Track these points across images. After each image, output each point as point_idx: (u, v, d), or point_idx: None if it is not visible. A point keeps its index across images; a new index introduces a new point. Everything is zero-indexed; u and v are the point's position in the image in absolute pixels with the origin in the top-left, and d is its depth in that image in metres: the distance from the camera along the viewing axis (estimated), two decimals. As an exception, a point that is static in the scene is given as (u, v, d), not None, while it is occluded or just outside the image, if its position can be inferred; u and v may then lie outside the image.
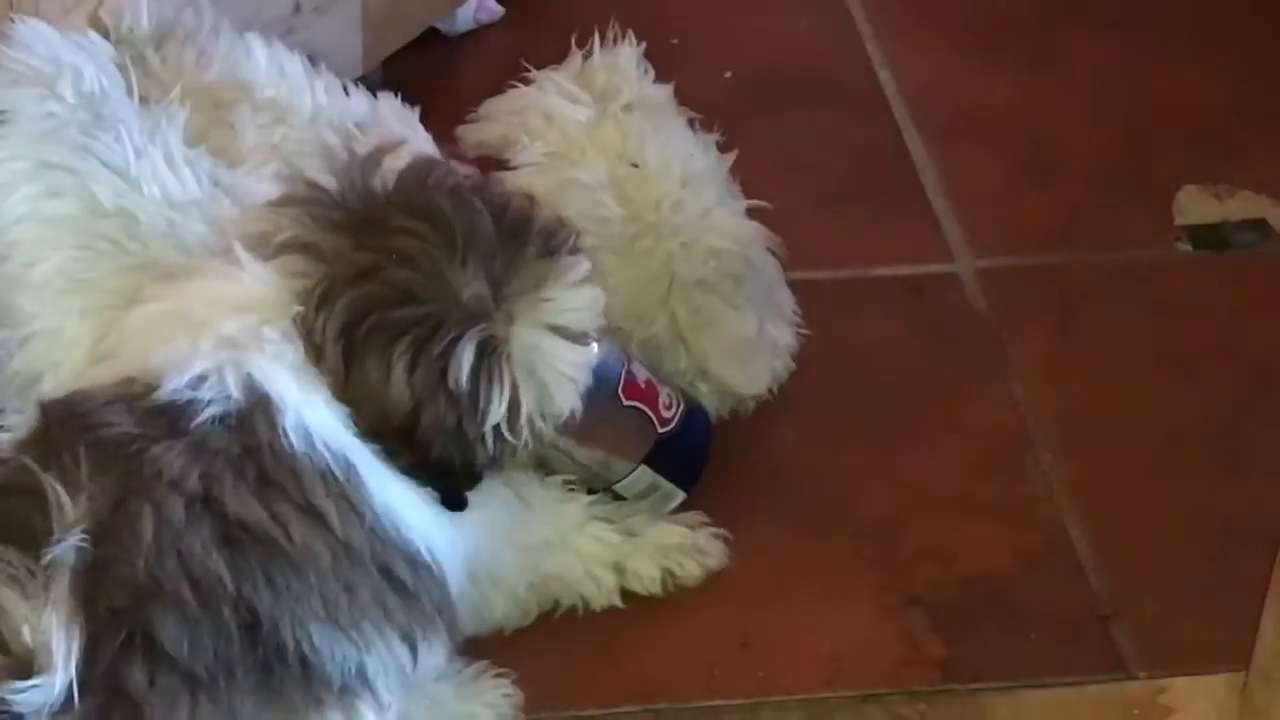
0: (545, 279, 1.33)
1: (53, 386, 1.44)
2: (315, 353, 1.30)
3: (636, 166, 1.61)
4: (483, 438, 1.32)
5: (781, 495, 1.64)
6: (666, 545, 1.56)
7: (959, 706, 1.47)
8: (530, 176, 1.60)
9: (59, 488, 1.23)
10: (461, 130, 1.69)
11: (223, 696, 1.25)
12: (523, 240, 1.33)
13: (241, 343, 1.30)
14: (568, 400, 1.35)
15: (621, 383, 1.53)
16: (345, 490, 1.30)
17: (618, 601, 1.54)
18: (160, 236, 1.47)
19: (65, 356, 1.45)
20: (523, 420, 1.33)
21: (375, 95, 1.64)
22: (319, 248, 1.31)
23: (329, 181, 1.34)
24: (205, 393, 1.29)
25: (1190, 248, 1.91)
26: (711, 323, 1.60)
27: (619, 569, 1.55)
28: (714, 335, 1.60)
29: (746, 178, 1.69)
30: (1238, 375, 1.76)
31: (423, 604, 1.33)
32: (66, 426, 1.29)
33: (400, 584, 1.32)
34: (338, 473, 1.29)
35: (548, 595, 1.53)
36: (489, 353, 1.30)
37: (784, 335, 1.67)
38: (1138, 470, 1.68)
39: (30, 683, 1.20)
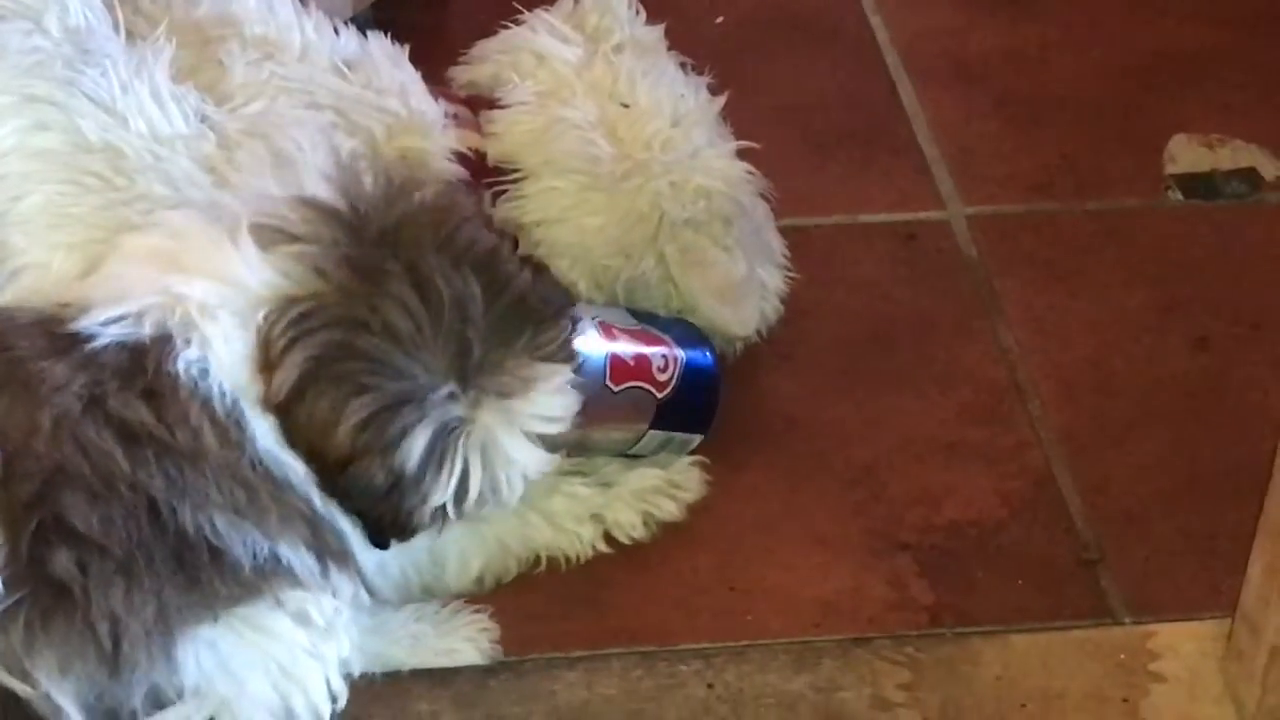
0: (523, 382, 1.32)
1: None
2: (263, 358, 1.30)
3: (627, 107, 1.60)
4: (420, 509, 1.32)
5: (769, 441, 1.64)
6: (643, 489, 1.56)
7: (946, 650, 1.47)
8: (520, 115, 1.60)
9: None
10: (452, 70, 1.69)
11: (146, 580, 1.27)
12: (513, 332, 1.32)
13: (196, 306, 1.30)
14: (517, 492, 1.35)
15: (608, 373, 1.53)
16: (228, 427, 1.30)
17: (603, 548, 1.54)
18: (146, 171, 1.46)
19: (52, 290, 1.44)
20: (467, 502, 1.33)
21: (365, 33, 1.63)
22: (318, 266, 1.30)
23: (351, 204, 1.33)
24: (119, 327, 1.30)
25: (1180, 196, 1.91)
26: (700, 262, 1.60)
27: (598, 520, 1.54)
28: (703, 275, 1.60)
29: (737, 122, 1.68)
30: (1227, 324, 1.76)
31: (326, 538, 1.33)
32: None
33: (294, 505, 1.31)
34: (220, 411, 1.29)
35: (527, 552, 1.52)
36: (445, 435, 1.30)
37: (773, 278, 1.67)
38: (1126, 417, 1.68)
39: None
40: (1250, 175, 1.92)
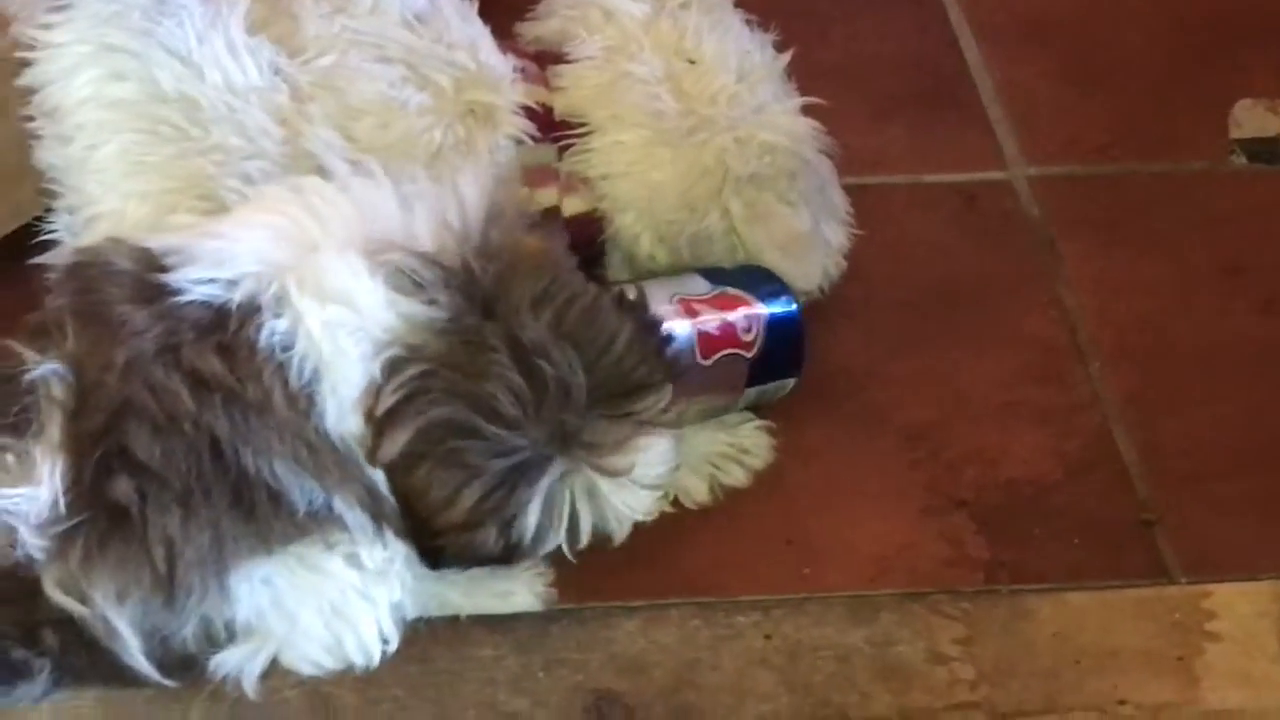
0: (626, 453, 1.38)
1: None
2: (369, 403, 1.34)
3: (693, 62, 1.61)
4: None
5: (829, 398, 1.65)
6: (710, 454, 1.57)
7: (1001, 607, 1.48)
8: (587, 70, 1.61)
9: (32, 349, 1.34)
10: (520, 26, 1.70)
11: (203, 511, 1.31)
12: (613, 404, 1.37)
13: (302, 284, 1.34)
14: (626, 529, 1.42)
15: (697, 349, 1.54)
16: (299, 397, 1.34)
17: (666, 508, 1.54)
18: (221, 122, 1.49)
19: (150, 237, 1.46)
20: (579, 544, 1.40)
21: (435, -11, 1.64)
22: (435, 327, 1.34)
23: (465, 261, 1.37)
24: (209, 288, 1.35)
25: (1244, 160, 1.90)
26: (765, 216, 1.61)
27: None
28: (768, 229, 1.61)
29: (800, 80, 1.68)
30: (1289, 288, 1.76)
31: (383, 507, 1.36)
32: (67, 289, 1.38)
33: (352, 474, 1.35)
34: (294, 383, 1.33)
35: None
36: (556, 497, 1.36)
37: (836, 235, 1.67)
38: (1185, 380, 1.68)
39: (17, 490, 1.31)
40: (1315, 140, 1.92)
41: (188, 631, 1.34)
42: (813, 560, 1.53)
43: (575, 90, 1.61)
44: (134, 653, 1.33)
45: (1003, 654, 1.45)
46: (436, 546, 1.39)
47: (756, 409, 1.61)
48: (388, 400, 1.34)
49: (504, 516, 1.36)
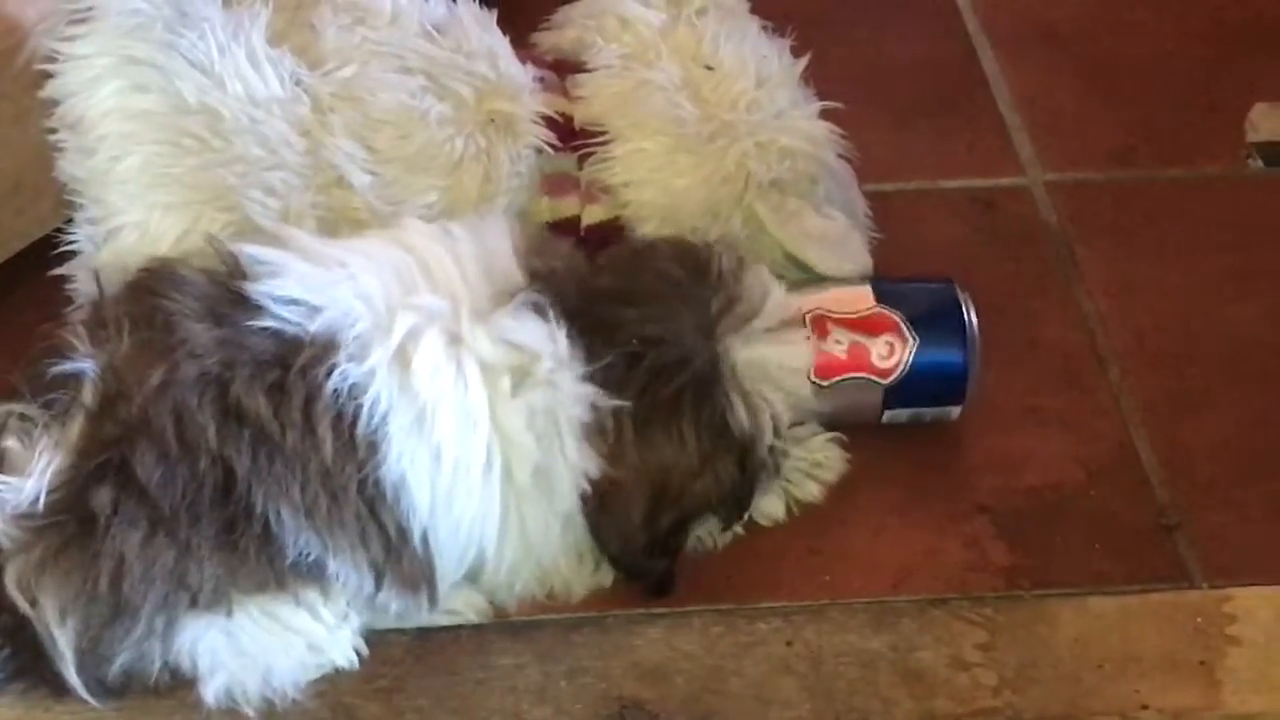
0: (750, 310, 1.45)
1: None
2: (598, 429, 1.38)
3: (711, 69, 1.61)
4: (763, 462, 1.45)
5: (849, 404, 1.65)
6: (783, 469, 1.54)
7: (1023, 612, 1.49)
8: (606, 78, 1.61)
9: (85, 341, 1.34)
10: (536, 35, 1.70)
11: (182, 535, 1.32)
12: (719, 286, 1.45)
13: (401, 329, 1.35)
14: (804, 387, 1.49)
15: (812, 371, 1.53)
16: (359, 446, 1.33)
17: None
18: (243, 133, 1.50)
19: (150, 250, 1.47)
20: (784, 428, 1.45)
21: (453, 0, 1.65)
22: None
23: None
24: (288, 310, 1.34)
25: (1262, 164, 1.90)
26: (796, 213, 1.60)
27: None
28: (800, 224, 1.60)
29: (817, 86, 1.68)
30: (1309, 292, 1.76)
31: (403, 564, 1.36)
32: (137, 290, 1.38)
33: (383, 531, 1.35)
34: (360, 430, 1.33)
35: None
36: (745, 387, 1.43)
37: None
38: (1205, 384, 1.68)
39: (8, 478, 1.32)
40: (1332, 143, 1.92)
41: (123, 660, 1.33)
42: (834, 567, 1.53)
43: (595, 99, 1.62)
44: (67, 665, 1.32)
45: (1025, 659, 1.45)
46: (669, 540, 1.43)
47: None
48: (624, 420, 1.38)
49: (720, 424, 1.41)
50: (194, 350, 1.33)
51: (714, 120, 1.60)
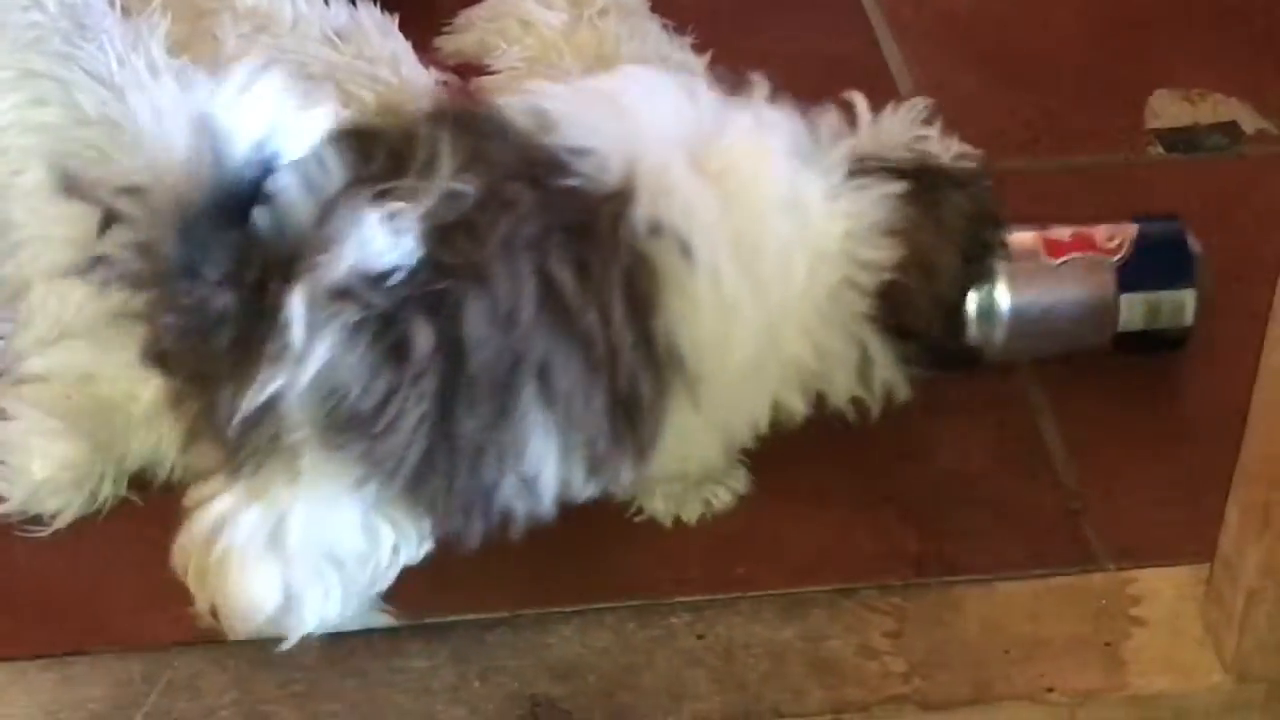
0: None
1: (41, 294, 1.47)
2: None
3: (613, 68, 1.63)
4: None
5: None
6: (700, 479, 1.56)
7: (931, 599, 1.50)
8: (510, 80, 1.63)
9: (446, 145, 1.30)
10: (439, 40, 1.71)
11: (463, 406, 1.31)
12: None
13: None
14: None
15: (1042, 251, 1.59)
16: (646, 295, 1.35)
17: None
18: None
19: (53, 263, 1.47)
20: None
21: (355, 4, 1.66)
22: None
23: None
24: (588, 166, 1.34)
25: (1162, 151, 1.93)
26: None
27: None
28: None
29: (719, 84, 1.70)
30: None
31: (627, 444, 1.39)
32: (466, 120, 1.35)
33: (631, 409, 1.37)
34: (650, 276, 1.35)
35: None
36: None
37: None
38: (1110, 371, 1.70)
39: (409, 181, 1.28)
40: (1231, 129, 1.95)
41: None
42: (745, 559, 1.54)
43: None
44: None
45: (933, 646, 1.47)
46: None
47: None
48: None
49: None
50: (522, 213, 1.31)
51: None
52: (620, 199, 1.33)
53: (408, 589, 1.47)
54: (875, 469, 1.61)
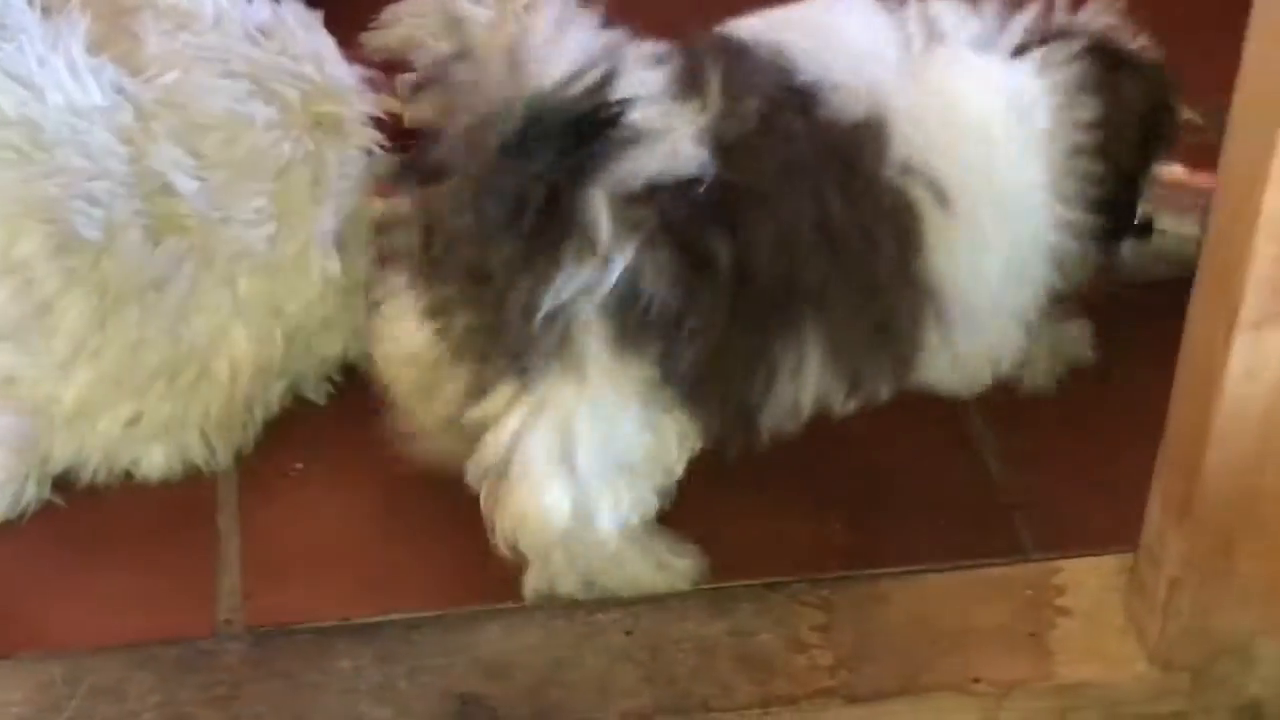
0: None
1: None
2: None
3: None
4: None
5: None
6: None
7: (859, 592, 1.51)
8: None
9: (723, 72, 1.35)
10: (364, 36, 1.70)
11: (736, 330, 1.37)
12: None
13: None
14: None
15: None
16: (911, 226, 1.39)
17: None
18: (64, 144, 1.49)
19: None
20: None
21: (278, 1, 1.65)
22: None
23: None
24: (840, 99, 1.37)
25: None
26: None
27: None
28: None
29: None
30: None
31: (886, 367, 1.45)
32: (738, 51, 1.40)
33: (891, 336, 1.42)
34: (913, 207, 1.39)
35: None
36: None
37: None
38: (1038, 364, 1.72)
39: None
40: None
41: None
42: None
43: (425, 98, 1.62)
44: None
45: (861, 639, 1.47)
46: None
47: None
48: None
49: None
50: (796, 140, 1.34)
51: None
52: (872, 133, 1.37)
53: (333, 589, 1.46)
54: (804, 462, 1.62)
